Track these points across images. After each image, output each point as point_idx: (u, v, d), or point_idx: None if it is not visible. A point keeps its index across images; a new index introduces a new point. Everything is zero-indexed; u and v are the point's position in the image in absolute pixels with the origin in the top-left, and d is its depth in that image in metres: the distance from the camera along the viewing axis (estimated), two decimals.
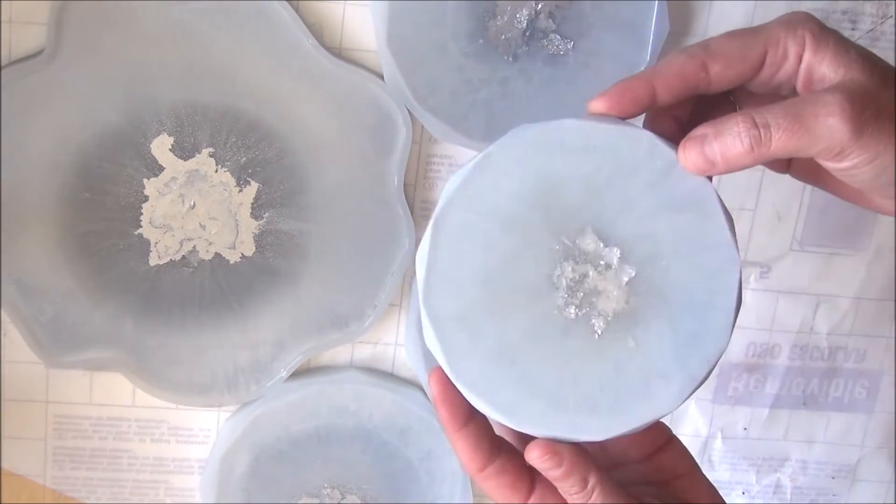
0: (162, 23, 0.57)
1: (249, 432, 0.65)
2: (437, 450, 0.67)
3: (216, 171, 0.60)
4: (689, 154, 0.44)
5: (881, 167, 0.43)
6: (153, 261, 0.62)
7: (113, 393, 0.66)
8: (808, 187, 0.66)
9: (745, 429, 0.71)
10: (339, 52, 0.60)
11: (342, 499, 0.68)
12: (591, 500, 0.45)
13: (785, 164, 0.50)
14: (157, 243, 0.61)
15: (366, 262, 0.63)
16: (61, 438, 0.66)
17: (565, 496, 0.46)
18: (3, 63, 0.58)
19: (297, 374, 0.65)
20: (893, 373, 0.70)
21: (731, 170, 0.44)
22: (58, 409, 0.66)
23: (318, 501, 0.68)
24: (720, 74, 0.45)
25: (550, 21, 0.59)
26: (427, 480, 0.68)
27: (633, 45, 0.60)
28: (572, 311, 0.45)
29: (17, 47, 0.58)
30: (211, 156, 0.60)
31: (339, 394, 0.65)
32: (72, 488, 0.68)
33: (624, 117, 0.45)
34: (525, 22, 0.59)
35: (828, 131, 0.42)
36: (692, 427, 0.71)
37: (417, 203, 0.64)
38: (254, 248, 0.62)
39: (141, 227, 0.61)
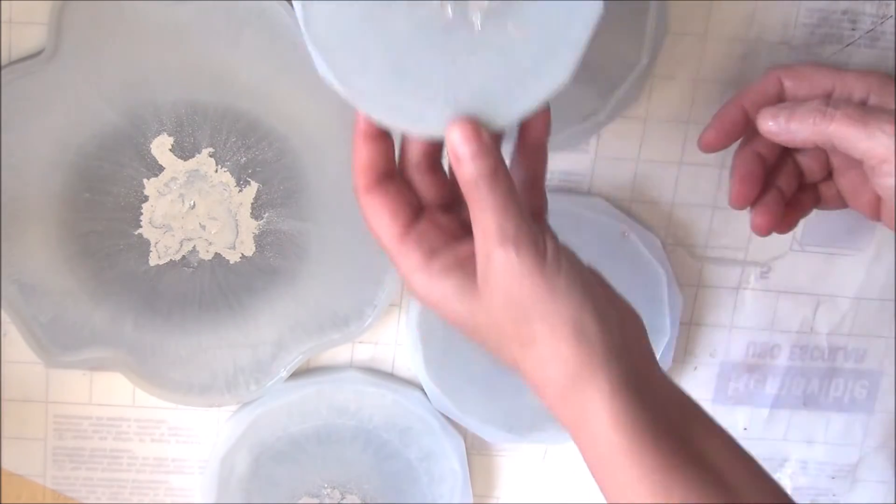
0: (161, 23, 0.57)
1: (249, 432, 0.65)
2: (437, 450, 0.67)
3: (216, 171, 0.60)
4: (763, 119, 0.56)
5: None
6: (153, 261, 0.62)
7: (113, 393, 0.66)
8: None
9: (745, 429, 0.71)
10: None
11: (342, 499, 0.68)
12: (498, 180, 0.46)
13: (875, 210, 0.58)
14: (157, 243, 0.61)
15: (366, 262, 0.63)
16: (61, 438, 0.66)
17: (465, 177, 0.46)
18: (3, 63, 0.58)
19: (297, 374, 0.65)
20: (893, 373, 0.70)
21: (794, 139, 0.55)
22: (58, 409, 0.66)
23: (318, 501, 0.68)
24: (792, 88, 0.57)
25: None
26: (427, 480, 0.68)
27: (632, 45, 0.60)
28: (448, 9, 0.46)
29: (17, 47, 0.58)
30: (211, 156, 0.60)
31: (339, 394, 0.65)
32: (72, 488, 0.68)
33: (731, 141, 0.58)
34: None
35: (880, 133, 0.52)
36: None
37: None
38: (254, 248, 0.62)
39: (141, 227, 0.61)
